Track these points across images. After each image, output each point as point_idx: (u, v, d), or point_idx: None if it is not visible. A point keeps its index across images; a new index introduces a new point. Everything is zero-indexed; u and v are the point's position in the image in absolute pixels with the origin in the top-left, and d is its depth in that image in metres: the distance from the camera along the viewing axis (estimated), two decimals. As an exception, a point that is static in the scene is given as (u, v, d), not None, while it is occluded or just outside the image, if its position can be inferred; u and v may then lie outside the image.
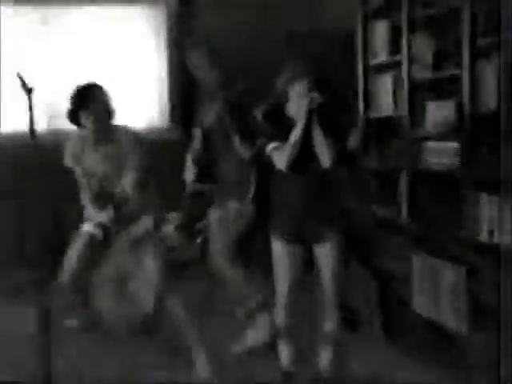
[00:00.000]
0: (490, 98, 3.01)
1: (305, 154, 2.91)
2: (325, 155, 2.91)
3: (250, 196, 3.65)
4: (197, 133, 3.74)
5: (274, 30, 5.49)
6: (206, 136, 3.66)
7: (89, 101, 3.67)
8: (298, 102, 2.92)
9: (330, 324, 3.13)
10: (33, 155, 2.75)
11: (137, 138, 3.89)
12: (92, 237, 3.87)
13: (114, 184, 3.89)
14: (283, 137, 2.91)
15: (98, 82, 3.78)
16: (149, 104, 5.68)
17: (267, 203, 3.20)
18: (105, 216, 3.87)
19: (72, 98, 3.68)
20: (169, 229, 4.02)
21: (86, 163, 3.86)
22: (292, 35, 5.44)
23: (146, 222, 3.89)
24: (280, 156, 2.93)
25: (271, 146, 2.97)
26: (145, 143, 3.92)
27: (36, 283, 2.87)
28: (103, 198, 3.91)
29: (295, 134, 2.88)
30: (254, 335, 3.73)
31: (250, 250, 3.98)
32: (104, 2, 5.70)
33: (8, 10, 5.49)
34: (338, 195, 3.15)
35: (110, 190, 3.91)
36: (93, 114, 3.69)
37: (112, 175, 3.87)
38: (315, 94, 2.87)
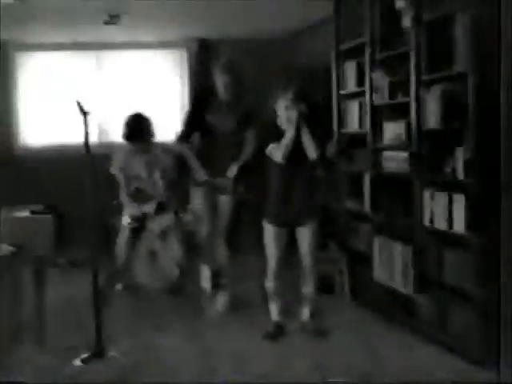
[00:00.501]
0: (431, 119, 3.04)
1: (295, 150, 3.07)
2: (311, 150, 3.08)
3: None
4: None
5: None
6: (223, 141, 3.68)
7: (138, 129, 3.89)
8: (286, 113, 3.06)
9: (308, 288, 3.29)
10: (87, 163, 2.91)
11: (166, 150, 4.05)
12: (131, 228, 3.97)
13: (149, 184, 4.03)
14: (279, 140, 3.10)
15: (144, 113, 3.97)
16: (176, 124, 5.80)
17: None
18: (141, 210, 3.97)
19: (126, 124, 3.88)
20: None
21: (128, 169, 3.99)
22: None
23: (170, 215, 4.03)
24: (277, 152, 3.09)
25: (270, 146, 3.13)
26: (172, 153, 4.05)
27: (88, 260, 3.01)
28: (140, 196, 4.03)
29: (288, 136, 3.06)
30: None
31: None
32: (140, 47, 5.80)
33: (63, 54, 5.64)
34: (317, 191, 3.30)
35: (146, 189, 4.05)
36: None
37: (148, 178, 4.02)
38: (302, 106, 3.05)
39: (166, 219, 4.01)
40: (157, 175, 4.02)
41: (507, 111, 2.58)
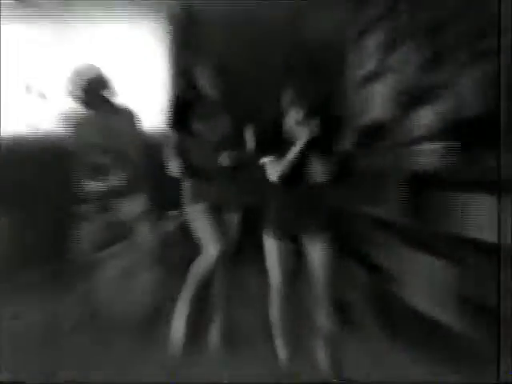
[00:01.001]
0: (471, 105, 2.84)
1: (296, 170, 2.77)
2: (319, 173, 2.75)
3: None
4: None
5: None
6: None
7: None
8: (297, 128, 2.77)
9: (322, 317, 2.90)
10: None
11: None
12: None
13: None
14: (277, 152, 2.77)
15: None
16: (155, 103, 5.49)
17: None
18: None
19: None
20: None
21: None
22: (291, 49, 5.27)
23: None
24: (273, 170, 2.76)
25: (266, 159, 2.79)
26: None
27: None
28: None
29: (292, 154, 2.73)
30: None
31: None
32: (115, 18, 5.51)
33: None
34: (328, 197, 2.94)
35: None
36: None
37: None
38: (315, 124, 2.74)
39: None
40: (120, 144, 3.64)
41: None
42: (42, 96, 2.55)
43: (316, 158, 2.76)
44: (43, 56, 5.21)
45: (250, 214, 3.21)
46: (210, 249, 3.19)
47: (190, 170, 3.28)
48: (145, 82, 5.26)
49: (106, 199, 3.58)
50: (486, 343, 2.81)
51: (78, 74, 3.44)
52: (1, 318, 3.49)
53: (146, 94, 5.24)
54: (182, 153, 3.32)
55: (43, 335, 3.18)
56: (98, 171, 3.59)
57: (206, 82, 3.26)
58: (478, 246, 2.88)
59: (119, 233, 3.67)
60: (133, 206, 3.60)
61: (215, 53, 3.35)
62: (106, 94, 3.48)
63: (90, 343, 3.38)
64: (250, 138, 3.22)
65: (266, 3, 5.22)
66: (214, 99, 3.29)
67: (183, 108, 3.30)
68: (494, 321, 2.66)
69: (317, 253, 2.82)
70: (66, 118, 3.61)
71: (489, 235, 2.80)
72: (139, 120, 3.66)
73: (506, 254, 2.60)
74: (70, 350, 3.25)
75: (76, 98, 3.44)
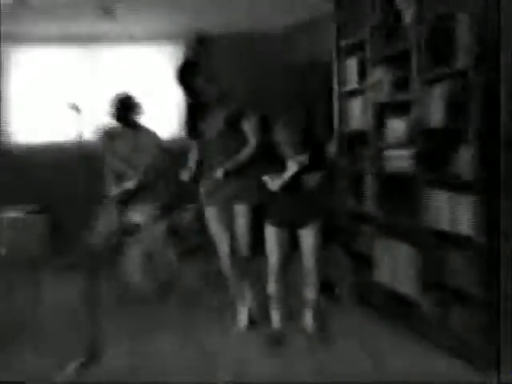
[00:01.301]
0: (434, 117, 2.99)
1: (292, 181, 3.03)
2: (311, 183, 3.06)
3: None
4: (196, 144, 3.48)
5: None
6: (207, 146, 3.39)
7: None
8: (289, 158, 3.01)
9: (311, 292, 3.23)
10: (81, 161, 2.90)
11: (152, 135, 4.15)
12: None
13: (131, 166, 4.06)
14: (274, 168, 3.05)
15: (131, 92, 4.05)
16: (171, 118, 5.68)
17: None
18: (121, 186, 4.02)
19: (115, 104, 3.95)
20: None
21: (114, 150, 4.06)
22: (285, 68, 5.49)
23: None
24: (272, 184, 3.05)
25: (266, 177, 3.06)
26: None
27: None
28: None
29: (286, 176, 3.00)
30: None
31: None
32: (134, 41, 5.72)
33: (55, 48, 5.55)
34: (319, 193, 3.19)
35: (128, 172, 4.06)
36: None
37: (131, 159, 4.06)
38: (303, 159, 2.99)
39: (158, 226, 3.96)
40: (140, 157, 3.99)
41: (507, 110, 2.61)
42: (78, 110, 2.91)
43: (307, 176, 3.01)
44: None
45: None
46: (223, 246, 3.37)
47: (202, 171, 3.38)
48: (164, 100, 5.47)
49: (124, 202, 3.86)
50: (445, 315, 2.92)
51: (117, 97, 3.89)
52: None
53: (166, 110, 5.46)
54: (196, 155, 3.45)
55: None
56: (120, 178, 3.92)
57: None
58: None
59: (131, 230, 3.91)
60: (145, 211, 3.86)
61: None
62: (135, 115, 3.91)
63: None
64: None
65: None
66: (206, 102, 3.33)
67: (193, 114, 3.35)
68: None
69: (308, 239, 3.15)
70: (101, 131, 3.98)
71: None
72: (160, 139, 4.02)
73: (506, 254, 2.64)
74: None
75: (112, 115, 3.88)
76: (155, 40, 5.72)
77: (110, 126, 4.04)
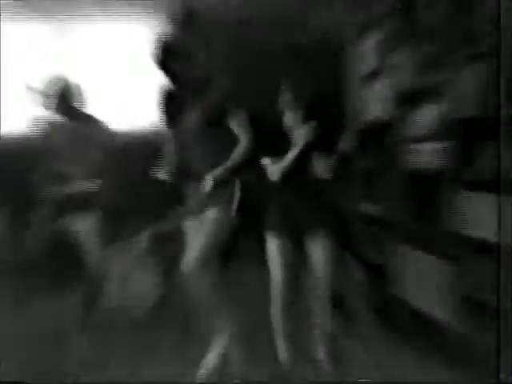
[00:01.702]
0: (468, 105, 2.82)
1: (296, 168, 2.72)
2: (321, 171, 2.70)
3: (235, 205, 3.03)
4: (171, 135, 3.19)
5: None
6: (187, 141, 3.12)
7: None
8: (294, 130, 2.74)
9: (324, 321, 2.86)
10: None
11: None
12: None
13: None
14: (277, 151, 2.74)
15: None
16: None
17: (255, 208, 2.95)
18: None
19: None
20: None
21: None
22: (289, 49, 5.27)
23: None
24: (273, 170, 2.73)
25: (266, 160, 2.75)
26: None
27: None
28: None
29: (291, 156, 2.69)
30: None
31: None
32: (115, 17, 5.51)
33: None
34: (328, 195, 2.89)
35: None
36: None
37: None
38: (311, 127, 2.68)
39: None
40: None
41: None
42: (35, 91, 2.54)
43: (317, 157, 2.70)
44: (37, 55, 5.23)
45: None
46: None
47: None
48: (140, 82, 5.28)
49: (61, 207, 3.43)
50: (485, 343, 2.76)
51: (50, 84, 3.44)
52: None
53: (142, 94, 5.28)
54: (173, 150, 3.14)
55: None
56: (59, 179, 3.48)
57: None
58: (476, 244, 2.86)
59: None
60: (85, 220, 3.43)
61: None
62: (76, 103, 3.46)
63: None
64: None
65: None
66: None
67: (173, 103, 3.11)
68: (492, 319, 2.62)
69: (318, 250, 2.77)
70: (39, 123, 3.57)
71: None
72: (108, 129, 3.57)
73: (506, 253, 2.58)
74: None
75: (47, 106, 3.42)
76: (135, 14, 5.42)
77: (48, 118, 3.56)
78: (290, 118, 2.74)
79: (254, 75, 4.28)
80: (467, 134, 2.86)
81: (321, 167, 2.71)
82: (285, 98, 2.73)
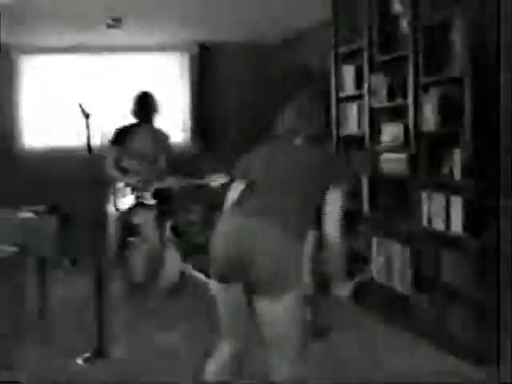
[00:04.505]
0: (428, 121, 3.04)
1: None
2: None
3: None
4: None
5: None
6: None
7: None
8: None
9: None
10: (88, 164, 2.92)
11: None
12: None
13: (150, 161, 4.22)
14: None
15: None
16: (176, 126, 5.78)
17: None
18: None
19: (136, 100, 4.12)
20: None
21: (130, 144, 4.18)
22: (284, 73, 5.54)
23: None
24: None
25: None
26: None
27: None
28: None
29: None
30: None
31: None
32: (141, 50, 5.84)
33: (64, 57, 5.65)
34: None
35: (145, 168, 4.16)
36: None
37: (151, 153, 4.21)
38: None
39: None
40: (159, 151, 4.09)
41: (505, 111, 2.64)
42: (85, 113, 2.97)
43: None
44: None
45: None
46: None
47: None
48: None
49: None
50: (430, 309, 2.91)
51: (138, 94, 4.01)
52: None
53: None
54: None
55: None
56: (127, 174, 3.93)
57: None
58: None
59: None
60: (147, 212, 3.85)
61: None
62: (153, 112, 4.02)
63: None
64: None
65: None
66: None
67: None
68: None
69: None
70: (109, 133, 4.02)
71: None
72: (171, 140, 4.14)
73: (505, 253, 2.62)
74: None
75: (132, 111, 3.99)
76: (161, 50, 5.82)
77: (124, 124, 4.11)
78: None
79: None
80: (428, 146, 3.09)
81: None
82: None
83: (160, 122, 4.25)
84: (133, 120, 4.09)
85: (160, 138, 4.11)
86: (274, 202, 1.84)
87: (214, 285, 1.88)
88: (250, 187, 1.92)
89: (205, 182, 3.78)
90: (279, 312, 1.76)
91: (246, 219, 1.81)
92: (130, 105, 4.09)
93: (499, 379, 2.57)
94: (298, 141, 1.98)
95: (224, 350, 1.95)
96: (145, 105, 4.03)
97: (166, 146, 4.13)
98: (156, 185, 3.90)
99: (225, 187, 3.08)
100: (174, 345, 3.15)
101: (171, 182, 3.91)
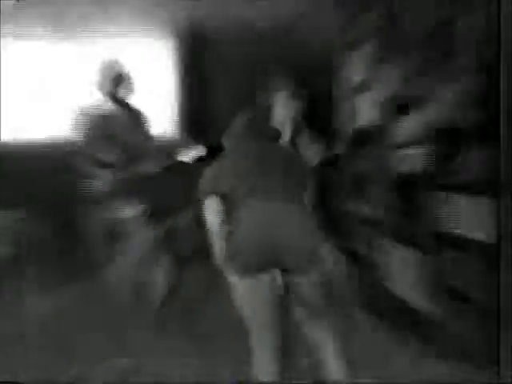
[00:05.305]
0: (447, 115, 2.90)
1: None
2: (312, 155, 2.84)
3: None
4: None
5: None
6: None
7: None
8: (282, 111, 2.81)
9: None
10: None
11: None
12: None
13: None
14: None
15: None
16: (164, 115, 5.40)
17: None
18: None
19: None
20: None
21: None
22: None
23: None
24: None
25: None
26: None
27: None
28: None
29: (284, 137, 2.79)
30: None
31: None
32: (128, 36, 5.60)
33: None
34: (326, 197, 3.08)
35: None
36: None
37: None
38: (298, 102, 2.83)
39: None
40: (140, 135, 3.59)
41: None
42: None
43: (307, 142, 2.79)
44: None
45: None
46: None
47: None
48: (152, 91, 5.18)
49: (107, 198, 3.44)
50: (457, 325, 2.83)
51: (106, 67, 3.44)
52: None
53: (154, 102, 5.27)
54: None
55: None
56: (103, 168, 3.45)
57: None
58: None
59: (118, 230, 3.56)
60: (129, 207, 3.46)
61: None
62: (126, 89, 3.47)
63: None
64: None
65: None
66: None
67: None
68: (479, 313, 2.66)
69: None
70: (84, 112, 3.47)
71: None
72: (148, 122, 3.61)
73: (506, 254, 2.59)
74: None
75: (101, 88, 3.43)
76: (149, 35, 5.50)
77: (95, 104, 3.52)
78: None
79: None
80: (447, 141, 2.93)
81: (311, 152, 2.76)
82: (271, 87, 2.79)
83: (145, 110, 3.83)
84: (108, 104, 3.52)
85: (140, 120, 3.60)
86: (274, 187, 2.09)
87: (237, 281, 2.01)
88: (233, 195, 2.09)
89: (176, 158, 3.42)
90: (311, 286, 2.03)
91: (268, 207, 2.02)
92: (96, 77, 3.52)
93: (499, 380, 2.57)
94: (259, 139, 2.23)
95: (264, 347, 2.07)
96: (115, 80, 3.46)
97: (146, 128, 3.61)
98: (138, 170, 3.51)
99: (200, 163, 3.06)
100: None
101: (147, 166, 3.52)
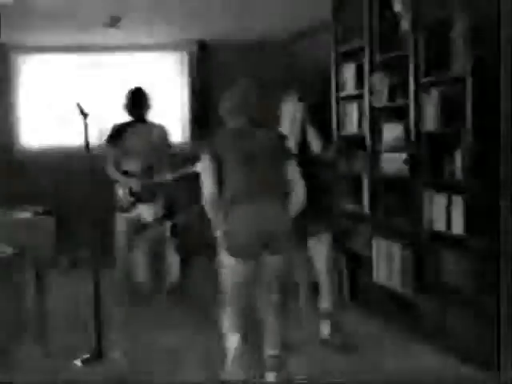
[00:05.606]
0: (429, 122, 3.03)
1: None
2: (315, 143, 3.00)
3: None
4: None
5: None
6: None
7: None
8: (292, 110, 3.04)
9: (325, 303, 3.11)
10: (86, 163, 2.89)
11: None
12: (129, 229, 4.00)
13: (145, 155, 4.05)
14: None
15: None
16: (176, 126, 5.71)
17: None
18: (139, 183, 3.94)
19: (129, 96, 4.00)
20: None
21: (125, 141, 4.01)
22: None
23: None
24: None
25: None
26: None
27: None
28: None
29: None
30: None
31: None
32: (140, 50, 5.80)
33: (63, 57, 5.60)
34: (329, 199, 3.18)
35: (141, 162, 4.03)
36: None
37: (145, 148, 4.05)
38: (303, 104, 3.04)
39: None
40: (153, 145, 3.95)
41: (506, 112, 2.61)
42: (83, 112, 2.93)
43: (312, 130, 2.95)
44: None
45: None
46: None
47: None
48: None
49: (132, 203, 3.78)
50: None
51: (130, 91, 3.89)
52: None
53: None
54: None
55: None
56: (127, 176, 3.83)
57: None
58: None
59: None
60: (152, 211, 3.79)
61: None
62: (146, 108, 3.90)
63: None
64: None
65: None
66: None
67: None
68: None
69: (320, 250, 3.04)
70: (107, 130, 3.93)
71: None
72: (168, 134, 4.00)
73: (505, 253, 2.61)
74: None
75: (125, 108, 3.87)
76: (160, 48, 5.76)
77: (120, 122, 3.98)
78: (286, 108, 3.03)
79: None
80: (429, 146, 3.06)
81: (316, 142, 2.94)
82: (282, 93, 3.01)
83: (159, 120, 4.16)
84: (127, 118, 3.97)
85: (158, 134, 3.98)
86: (264, 179, 2.37)
87: (229, 261, 2.30)
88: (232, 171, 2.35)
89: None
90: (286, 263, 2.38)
91: (258, 203, 2.33)
92: (123, 100, 3.98)
93: (500, 381, 2.56)
94: (241, 123, 2.42)
95: (240, 345, 2.34)
96: (138, 100, 3.92)
97: (165, 142, 4.01)
98: (154, 179, 3.83)
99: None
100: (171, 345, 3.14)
101: (167, 176, 3.84)
